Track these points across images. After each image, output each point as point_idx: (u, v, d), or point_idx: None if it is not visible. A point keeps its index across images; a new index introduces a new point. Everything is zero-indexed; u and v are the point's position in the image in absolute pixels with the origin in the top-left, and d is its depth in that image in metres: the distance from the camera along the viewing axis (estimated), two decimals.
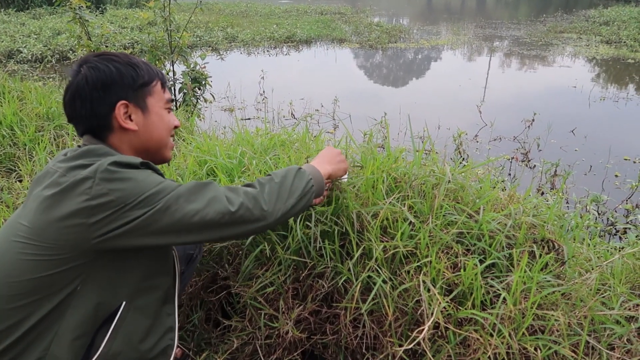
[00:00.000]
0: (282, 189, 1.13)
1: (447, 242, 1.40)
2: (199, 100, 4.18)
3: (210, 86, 4.09)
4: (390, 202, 1.45)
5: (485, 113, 5.60)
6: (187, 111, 3.84)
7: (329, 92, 6.74)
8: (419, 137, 4.77)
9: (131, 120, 1.10)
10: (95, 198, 0.92)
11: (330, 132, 5.04)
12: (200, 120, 4.17)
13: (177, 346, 1.56)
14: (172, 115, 1.22)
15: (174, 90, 4.09)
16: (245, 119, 5.50)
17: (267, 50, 10.69)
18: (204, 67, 4.10)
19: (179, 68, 4.23)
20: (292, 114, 5.74)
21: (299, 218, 1.46)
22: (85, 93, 1.06)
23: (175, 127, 1.22)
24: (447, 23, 17.21)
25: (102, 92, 1.06)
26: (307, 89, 7.11)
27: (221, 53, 10.32)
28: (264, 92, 6.85)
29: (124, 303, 1.00)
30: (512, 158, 4.27)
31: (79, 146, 1.07)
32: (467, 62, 9.91)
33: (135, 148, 1.13)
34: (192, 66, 3.97)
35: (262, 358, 1.46)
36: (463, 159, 4.24)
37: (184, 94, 3.97)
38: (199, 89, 4.02)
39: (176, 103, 4.07)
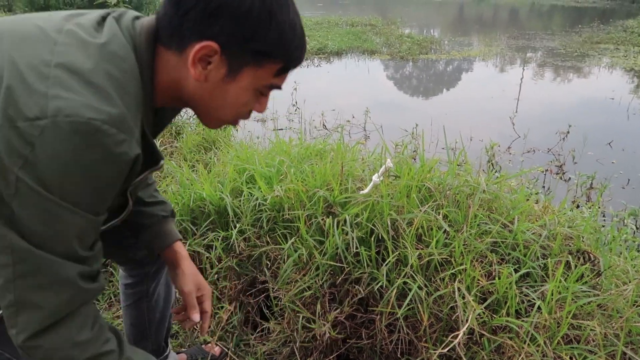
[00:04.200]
0: None
1: (481, 250, 1.43)
2: None
3: None
4: (425, 210, 1.49)
5: (518, 125, 5.55)
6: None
7: (360, 103, 6.80)
8: (451, 148, 4.77)
9: (204, 68, 0.79)
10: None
11: (362, 143, 5.08)
12: (236, 130, 4.28)
13: (216, 344, 1.63)
14: (260, 99, 0.89)
15: None
16: (278, 130, 5.61)
17: None
18: None
19: None
20: (323, 125, 5.82)
21: (336, 223, 1.51)
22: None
23: (255, 111, 0.91)
24: (478, 34, 17.09)
25: (211, 13, 0.75)
26: (338, 100, 7.19)
27: None
28: (296, 102, 6.96)
29: None
30: (547, 170, 4.23)
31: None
32: (500, 73, 9.82)
33: (187, 96, 0.84)
34: None
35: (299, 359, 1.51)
36: (496, 170, 4.22)
37: None
38: None
39: None
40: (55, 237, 0.72)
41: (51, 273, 0.73)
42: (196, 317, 1.07)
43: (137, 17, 0.83)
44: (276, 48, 0.80)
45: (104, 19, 0.80)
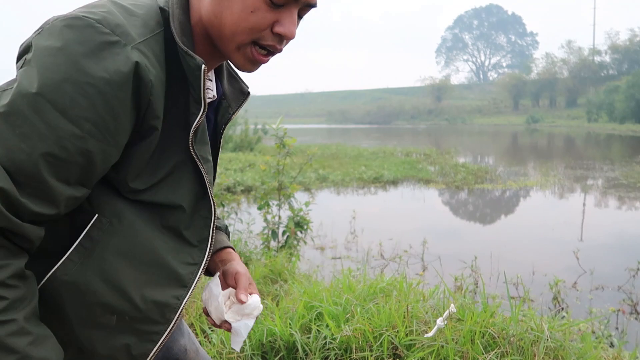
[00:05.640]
0: None
1: None
2: (299, 243, 4.57)
3: (311, 230, 4.50)
4: (489, 358, 1.54)
5: (583, 256, 5.40)
6: (290, 254, 4.20)
7: (416, 231, 6.91)
8: (512, 282, 4.68)
9: None
10: None
11: (420, 275, 5.11)
12: (299, 260, 4.49)
13: None
14: (280, 15, 0.78)
15: (278, 233, 4.53)
16: (337, 258, 5.76)
17: (356, 190, 11.31)
18: (307, 213, 4.55)
19: (285, 213, 4.71)
20: (381, 254, 5.93)
21: None
22: None
23: (278, 33, 0.78)
24: (534, 163, 17.25)
25: None
26: (395, 229, 7.34)
27: (312, 192, 11.07)
28: (354, 230, 7.18)
29: None
30: (618, 310, 4.03)
31: None
32: (559, 203, 9.75)
33: (206, 22, 0.80)
34: (297, 212, 4.44)
35: None
36: (562, 308, 4.07)
37: (287, 237, 4.38)
38: (301, 232, 4.44)
39: (279, 246, 4.49)
40: (12, 137, 0.64)
41: None
42: (244, 297, 0.94)
43: None
44: None
45: None
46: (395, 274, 4.91)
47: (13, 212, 0.66)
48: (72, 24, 0.67)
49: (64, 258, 0.75)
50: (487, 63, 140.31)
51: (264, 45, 0.79)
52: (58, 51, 0.66)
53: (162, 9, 0.79)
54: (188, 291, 0.87)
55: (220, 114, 0.95)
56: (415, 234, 6.68)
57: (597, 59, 60.31)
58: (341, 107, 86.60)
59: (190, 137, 0.79)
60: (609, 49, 58.83)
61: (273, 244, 4.65)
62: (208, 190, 0.86)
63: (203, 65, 0.75)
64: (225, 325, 0.92)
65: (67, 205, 0.72)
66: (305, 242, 4.82)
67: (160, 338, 0.84)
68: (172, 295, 0.85)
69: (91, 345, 0.79)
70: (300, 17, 0.82)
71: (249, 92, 0.99)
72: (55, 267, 0.75)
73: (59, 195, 0.69)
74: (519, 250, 6.25)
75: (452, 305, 1.65)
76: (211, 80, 0.90)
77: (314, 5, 0.81)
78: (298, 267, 3.75)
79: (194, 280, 0.88)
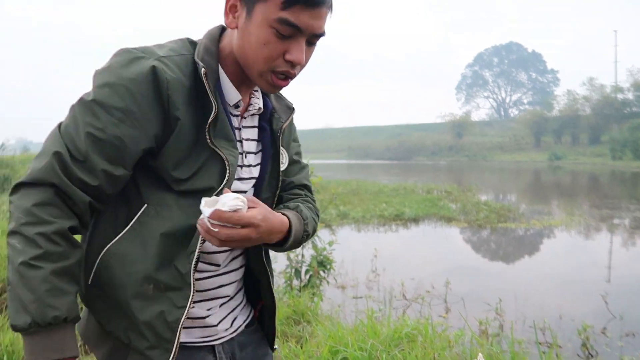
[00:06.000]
0: None
1: None
2: (322, 282, 4.57)
3: (334, 270, 4.51)
4: None
5: (611, 300, 5.25)
6: (313, 294, 4.20)
7: (439, 271, 6.84)
8: (539, 327, 4.57)
9: (234, 16, 0.95)
10: None
11: (443, 317, 5.03)
12: (322, 300, 4.48)
13: None
14: (290, 45, 0.92)
15: (302, 272, 4.55)
16: (358, 297, 5.72)
17: (377, 228, 11.27)
18: (331, 252, 4.57)
19: (308, 252, 4.74)
20: (403, 294, 5.86)
21: None
22: None
23: (289, 61, 0.93)
24: (558, 201, 16.98)
25: None
26: (417, 268, 7.27)
27: (333, 229, 11.07)
28: (375, 269, 7.13)
29: None
30: None
31: None
32: (585, 243, 9.54)
33: (236, 53, 0.98)
34: (320, 251, 4.46)
35: None
36: (591, 356, 3.95)
37: (310, 276, 4.39)
38: (324, 271, 4.45)
39: (302, 285, 4.50)
40: (71, 123, 0.90)
41: (50, 143, 0.89)
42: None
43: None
44: None
45: None
46: (419, 315, 4.85)
47: (65, 173, 0.87)
48: (117, 53, 0.94)
49: (118, 236, 0.95)
50: (507, 100, 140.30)
51: (280, 72, 0.95)
52: (106, 68, 0.92)
53: (192, 42, 1.02)
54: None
55: (274, 123, 1.11)
56: (437, 274, 6.60)
57: (620, 96, 59.72)
58: (362, 143, 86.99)
59: (206, 131, 0.95)
60: (631, 87, 58.32)
61: (295, 282, 4.66)
62: (227, 177, 0.97)
63: (203, 69, 0.93)
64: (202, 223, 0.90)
65: (107, 180, 0.90)
66: (328, 282, 4.82)
67: (187, 304, 0.96)
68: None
69: (134, 311, 0.94)
70: (311, 43, 0.96)
71: (294, 108, 1.17)
72: (111, 242, 0.95)
73: (97, 167, 0.89)
74: (545, 292, 6.11)
75: (480, 355, 1.65)
76: (258, 98, 1.09)
77: (321, 35, 0.95)
78: (320, 308, 3.74)
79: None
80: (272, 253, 1.19)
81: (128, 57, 0.92)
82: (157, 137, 0.93)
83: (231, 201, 0.87)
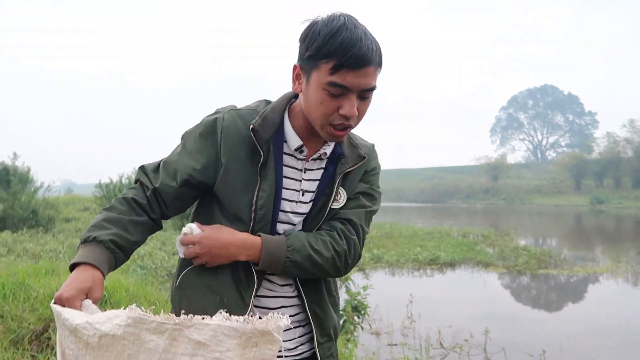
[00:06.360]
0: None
1: None
2: (356, 328, 4.47)
3: (369, 315, 4.42)
4: None
5: None
6: (347, 339, 4.11)
7: (477, 318, 6.59)
8: None
9: (299, 83, 1.16)
10: None
11: None
12: (356, 347, 4.37)
13: None
14: (342, 102, 1.10)
15: None
16: (393, 345, 5.55)
17: (412, 272, 11.03)
18: (365, 297, 4.49)
19: (342, 296, 4.68)
20: (440, 343, 5.66)
21: None
22: None
23: (343, 115, 1.11)
24: (602, 247, 16.26)
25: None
26: (454, 314, 7.03)
27: (367, 273, 10.90)
28: (411, 315, 6.93)
29: None
30: None
31: None
32: (633, 291, 9.05)
33: (304, 111, 1.19)
34: (354, 296, 4.39)
35: None
36: None
37: (344, 321, 4.31)
38: (358, 317, 4.36)
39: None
40: (172, 155, 1.27)
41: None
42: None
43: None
44: (320, 51, 1.07)
45: None
46: None
47: (146, 175, 1.26)
48: (209, 114, 1.27)
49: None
50: (544, 142, 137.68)
51: (337, 124, 1.13)
52: (198, 124, 1.26)
53: (268, 101, 1.28)
54: None
55: (339, 167, 1.26)
56: (475, 321, 6.35)
57: None
58: (395, 185, 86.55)
59: (257, 172, 1.19)
60: None
61: None
62: (253, 205, 1.20)
63: (251, 125, 1.17)
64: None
65: (163, 189, 1.22)
66: (362, 328, 4.71)
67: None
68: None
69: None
70: (364, 97, 1.12)
71: (365, 156, 1.29)
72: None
73: (162, 179, 1.23)
74: (592, 343, 5.78)
75: None
76: (329, 145, 1.26)
77: (371, 89, 1.11)
78: (355, 355, 3.65)
79: None
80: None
81: (211, 115, 1.25)
82: (213, 169, 1.21)
83: (183, 229, 1.22)
